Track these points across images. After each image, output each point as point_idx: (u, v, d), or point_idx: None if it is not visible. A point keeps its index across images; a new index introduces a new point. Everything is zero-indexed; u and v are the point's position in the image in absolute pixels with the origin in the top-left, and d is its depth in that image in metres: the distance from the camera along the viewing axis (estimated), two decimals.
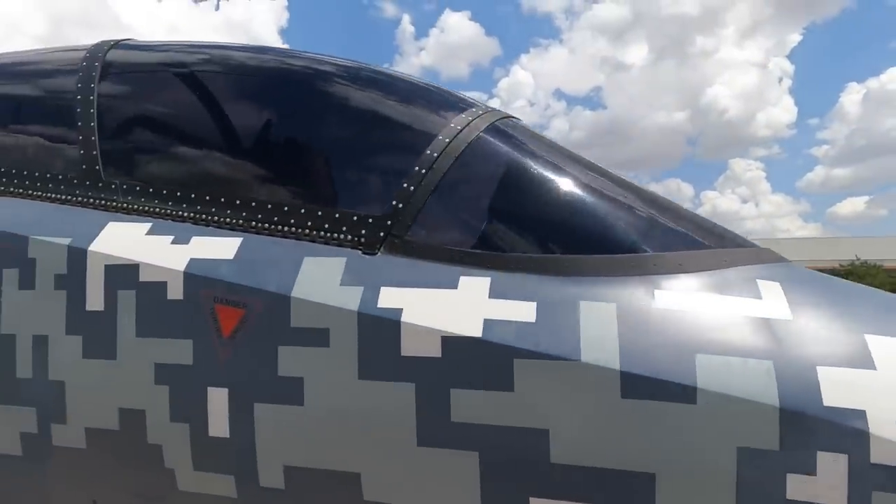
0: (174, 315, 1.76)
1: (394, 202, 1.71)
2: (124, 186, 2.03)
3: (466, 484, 1.48)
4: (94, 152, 2.09)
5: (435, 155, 1.76)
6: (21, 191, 2.17)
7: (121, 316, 1.82)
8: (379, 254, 1.69)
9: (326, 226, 1.75)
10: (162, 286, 1.78)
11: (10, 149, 2.29)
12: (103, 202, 2.03)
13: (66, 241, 1.93)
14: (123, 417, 1.82)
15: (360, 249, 1.71)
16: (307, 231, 1.77)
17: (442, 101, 2.09)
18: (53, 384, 1.90)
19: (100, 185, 2.06)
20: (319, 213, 1.77)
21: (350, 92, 2.17)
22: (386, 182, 1.87)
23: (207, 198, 1.90)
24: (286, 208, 1.80)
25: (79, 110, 2.16)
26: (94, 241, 1.90)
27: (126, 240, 1.89)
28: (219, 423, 1.70)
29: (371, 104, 2.11)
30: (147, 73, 2.40)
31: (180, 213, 1.93)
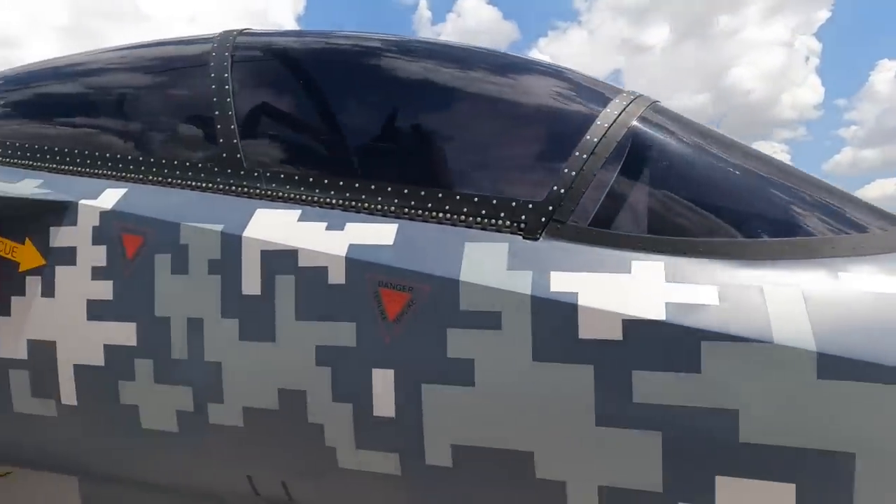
0: (336, 299, 1.81)
1: (554, 187, 1.74)
2: (268, 174, 2.07)
3: (648, 463, 1.51)
4: (235, 141, 2.14)
5: (595, 140, 1.77)
6: (160, 179, 2.23)
7: (279, 300, 1.87)
8: (541, 239, 1.71)
9: (483, 212, 1.78)
10: (322, 271, 1.82)
11: (147, 139, 2.35)
12: (246, 190, 2.09)
13: (219, 227, 1.98)
14: (283, 397, 1.88)
15: (521, 235, 1.73)
16: (463, 217, 1.80)
17: (589, 86, 2.10)
18: (209, 365, 1.97)
19: (242, 173, 2.11)
20: (476, 199, 1.80)
21: (501, 79, 2.19)
22: (543, 168, 1.90)
23: (357, 185, 1.94)
24: (440, 195, 1.84)
25: (215, 99, 2.21)
26: (247, 228, 1.96)
27: (279, 226, 1.94)
28: (384, 403, 1.76)
29: (522, 91, 2.13)
30: (280, 60, 2.43)
31: (328, 200, 1.97)
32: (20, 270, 2.30)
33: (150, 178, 2.24)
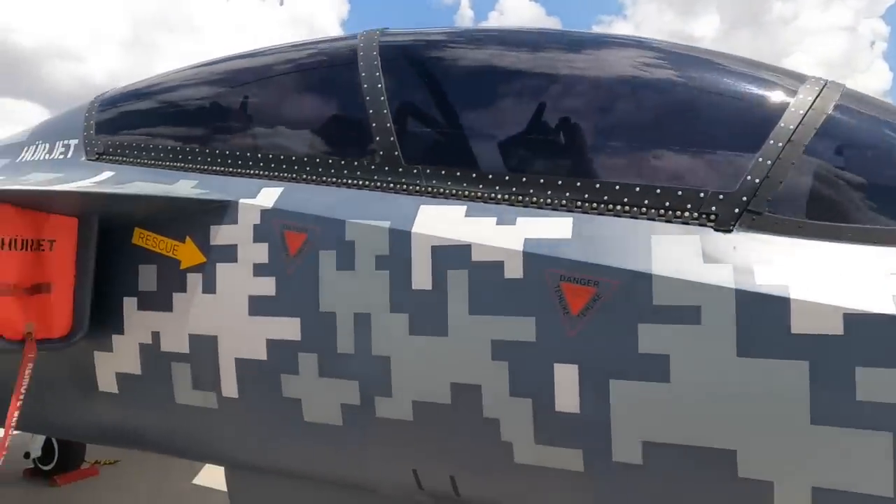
0: (513, 294, 1.80)
1: (748, 177, 1.68)
2: (428, 171, 2.09)
3: (874, 465, 1.44)
4: (392, 139, 2.16)
5: (791, 128, 1.71)
6: (315, 178, 2.28)
7: (452, 294, 1.88)
8: (734, 231, 1.66)
9: (667, 203, 1.74)
10: (498, 266, 1.82)
11: (300, 139, 2.42)
12: (406, 187, 2.11)
13: (385, 223, 2.01)
14: (456, 392, 1.89)
15: (712, 227, 1.69)
16: (644, 209, 1.77)
17: (769, 71, 2.03)
18: (378, 359, 2.00)
19: (400, 170, 2.13)
20: (658, 190, 1.76)
21: (676, 67, 2.14)
22: (730, 157, 1.84)
23: (524, 179, 1.93)
24: (618, 187, 1.81)
25: (368, 98, 2.24)
26: (415, 224, 1.97)
27: (446, 222, 1.95)
28: (567, 399, 1.74)
29: (701, 78, 2.08)
30: (430, 58, 2.46)
31: (493, 195, 1.97)
32: (181, 268, 2.40)
33: (305, 177, 2.29)
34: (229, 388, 2.30)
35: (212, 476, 5.52)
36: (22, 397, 2.35)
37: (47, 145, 3.06)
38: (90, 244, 2.45)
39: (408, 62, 2.41)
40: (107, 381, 2.61)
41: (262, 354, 2.20)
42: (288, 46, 2.80)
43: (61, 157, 2.98)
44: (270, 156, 2.38)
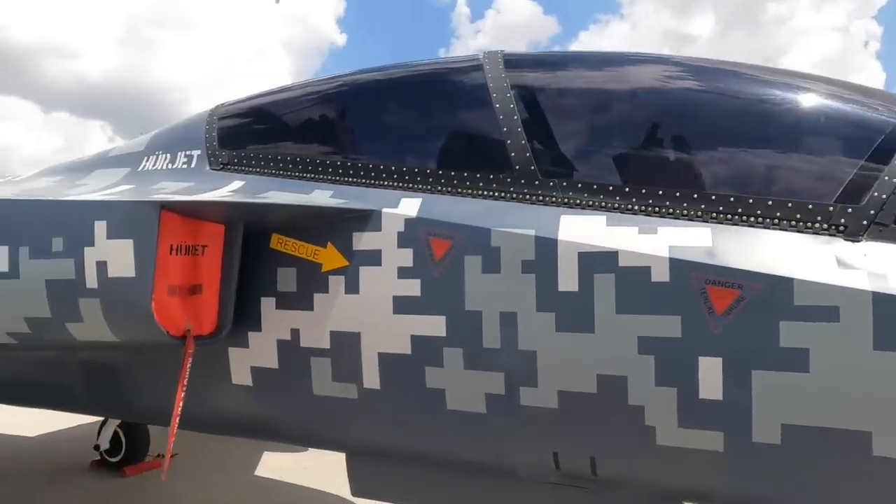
0: (659, 295, 2.04)
1: (875, 193, 1.92)
2: (564, 184, 2.32)
3: None
4: (528, 154, 2.39)
5: None
6: (451, 190, 2.51)
7: (598, 296, 2.11)
8: (863, 240, 1.90)
9: (798, 216, 1.98)
10: (644, 270, 2.05)
11: (437, 153, 2.64)
12: (543, 198, 2.34)
13: (530, 231, 2.24)
14: (602, 382, 2.12)
15: (841, 237, 1.92)
16: (776, 221, 2.01)
17: (878, 94, 2.28)
18: (524, 353, 2.23)
19: (536, 182, 2.36)
20: (789, 204, 2.00)
21: (808, 93, 2.38)
22: (858, 174, 2.06)
23: (661, 192, 2.17)
24: (751, 201, 2.04)
25: (502, 117, 2.47)
26: (560, 232, 2.21)
27: (590, 230, 2.18)
28: (711, 387, 1.97)
29: (831, 104, 2.31)
30: (556, 77, 2.69)
31: (630, 206, 2.20)
32: (323, 271, 2.62)
33: (440, 189, 2.52)
34: (371, 379, 2.53)
35: (259, 472, 5.77)
36: (185, 390, 2.59)
37: (168, 155, 3.27)
38: (235, 249, 2.68)
39: (535, 82, 2.64)
40: (241, 375, 2.84)
41: (406, 349, 2.43)
42: (413, 64, 3.01)
43: (184, 166, 3.19)
44: (405, 169, 2.61)
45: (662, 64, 2.59)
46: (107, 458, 5.82)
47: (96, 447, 5.69)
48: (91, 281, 2.44)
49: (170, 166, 3.24)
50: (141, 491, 5.33)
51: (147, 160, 3.36)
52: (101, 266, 2.42)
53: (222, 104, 3.39)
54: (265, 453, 6.14)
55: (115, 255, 2.40)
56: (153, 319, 2.42)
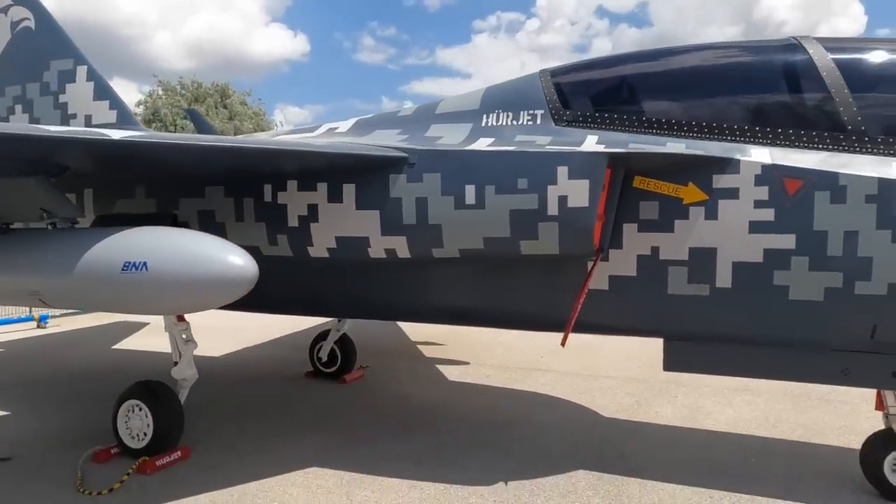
0: None
1: None
2: (890, 140, 3.29)
3: None
4: (858, 118, 3.34)
5: None
6: (788, 143, 3.46)
7: None
8: None
9: None
10: None
11: (779, 115, 3.60)
12: (872, 151, 3.30)
13: (873, 174, 3.22)
14: None
15: None
16: None
17: None
18: (862, 259, 3.23)
19: (866, 139, 3.32)
20: None
21: None
22: None
23: None
24: None
25: (833, 90, 3.41)
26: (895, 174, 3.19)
27: None
28: None
29: None
30: (871, 56, 3.69)
31: None
32: (684, 203, 3.58)
33: (781, 142, 3.47)
34: (724, 281, 3.53)
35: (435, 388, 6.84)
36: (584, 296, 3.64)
37: (510, 114, 4.14)
38: (617, 186, 3.62)
39: (854, 61, 3.60)
40: (598, 282, 3.82)
41: (758, 258, 3.43)
42: (730, 43, 3.97)
43: (529, 123, 4.07)
44: (746, 126, 3.55)
45: None
46: (322, 368, 6.86)
47: (319, 360, 6.76)
48: (552, 210, 3.37)
49: (515, 122, 4.11)
50: (368, 390, 6.38)
51: (487, 117, 4.21)
52: (563, 199, 3.35)
53: (546, 70, 4.25)
54: (454, 367, 7.23)
55: (574, 191, 3.33)
56: (592, 237, 3.40)
